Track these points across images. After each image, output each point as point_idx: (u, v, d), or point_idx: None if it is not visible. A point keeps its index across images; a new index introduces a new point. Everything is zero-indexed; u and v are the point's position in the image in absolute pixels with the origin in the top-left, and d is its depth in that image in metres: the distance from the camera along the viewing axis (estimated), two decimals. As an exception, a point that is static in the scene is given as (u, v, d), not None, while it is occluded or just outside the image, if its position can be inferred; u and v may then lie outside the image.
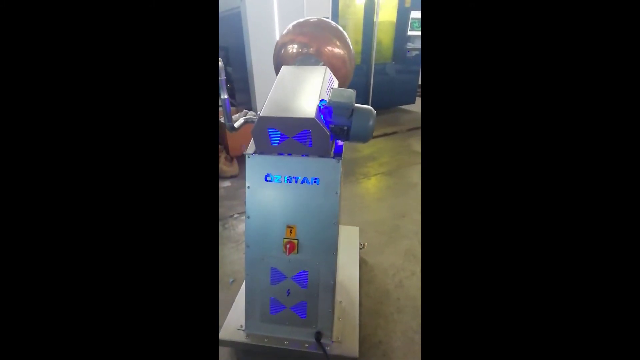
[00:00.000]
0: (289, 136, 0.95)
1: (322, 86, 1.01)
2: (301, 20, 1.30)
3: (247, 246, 1.08)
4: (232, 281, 1.61)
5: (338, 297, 1.27)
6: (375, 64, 4.13)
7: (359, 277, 1.44)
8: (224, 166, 2.66)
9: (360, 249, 1.71)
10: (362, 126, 0.93)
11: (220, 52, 4.21)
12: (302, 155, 0.99)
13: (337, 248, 1.04)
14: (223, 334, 1.14)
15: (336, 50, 1.25)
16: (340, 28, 1.29)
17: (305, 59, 1.20)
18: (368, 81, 4.22)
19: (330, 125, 0.95)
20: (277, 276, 1.09)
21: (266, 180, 1.03)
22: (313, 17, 1.31)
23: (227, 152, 2.88)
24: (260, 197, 1.04)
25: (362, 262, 1.70)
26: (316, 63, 1.20)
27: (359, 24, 3.91)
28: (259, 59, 3.13)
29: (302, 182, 1.01)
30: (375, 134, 4.19)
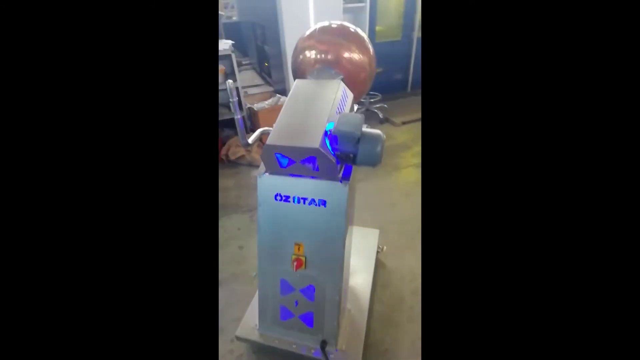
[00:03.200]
0: (296, 161, 0.96)
1: (331, 108, 0.98)
2: (323, 24, 1.24)
3: (259, 257, 1.15)
4: (255, 274, 1.73)
5: (347, 304, 1.32)
6: (418, 38, 3.82)
7: (372, 282, 1.46)
8: (255, 154, 2.76)
9: (377, 252, 1.72)
10: (369, 153, 0.90)
11: (258, 30, 4.18)
12: (311, 177, 1.00)
13: (342, 267, 1.07)
14: (240, 331, 1.27)
15: (355, 56, 1.19)
16: (361, 32, 1.22)
17: (322, 71, 1.16)
18: (409, 55, 3.95)
19: (336, 152, 0.93)
20: (286, 288, 1.15)
21: (276, 199, 1.06)
22: (335, 22, 1.24)
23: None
24: (271, 215, 1.09)
25: (380, 265, 1.72)
26: (333, 75, 1.15)
27: (401, -4, 3.59)
28: (292, 37, 3.07)
29: (310, 204, 1.03)
30: (412, 117, 3.94)
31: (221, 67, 2.72)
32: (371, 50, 1.22)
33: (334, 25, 1.23)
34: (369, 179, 2.50)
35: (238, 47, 4.93)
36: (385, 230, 1.92)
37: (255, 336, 1.24)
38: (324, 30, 1.22)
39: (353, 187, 1.06)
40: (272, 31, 3.41)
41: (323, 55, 1.18)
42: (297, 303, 1.16)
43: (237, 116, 1.07)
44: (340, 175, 0.99)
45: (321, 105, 1.00)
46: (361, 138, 0.91)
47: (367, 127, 1.17)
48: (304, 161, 0.95)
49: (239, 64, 4.81)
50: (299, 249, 1.09)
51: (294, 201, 1.04)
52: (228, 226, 2.10)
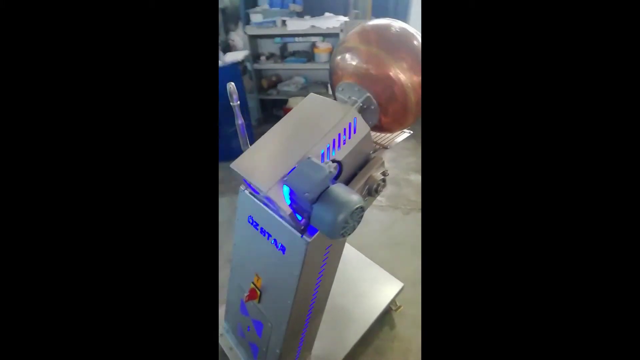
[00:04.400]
0: (259, 192, 0.82)
1: (317, 144, 0.77)
2: (381, 25, 0.95)
3: (232, 264, 1.11)
4: None
5: (311, 355, 1.16)
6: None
7: (357, 341, 1.23)
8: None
9: (391, 309, 1.42)
10: (324, 221, 0.68)
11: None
12: (279, 215, 0.85)
13: (287, 325, 0.91)
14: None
15: (402, 78, 0.88)
16: (417, 45, 0.88)
17: (352, 90, 0.92)
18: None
19: (293, 205, 0.74)
20: (243, 309, 1.09)
21: (248, 221, 0.97)
22: (398, 26, 0.93)
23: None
24: (243, 233, 1.01)
25: (388, 323, 1.42)
26: (359, 95, 0.90)
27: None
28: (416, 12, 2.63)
29: (272, 242, 0.89)
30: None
31: (328, 46, 2.60)
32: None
33: (393, 30, 0.92)
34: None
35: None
36: (415, 285, 1.56)
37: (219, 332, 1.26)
38: (378, 34, 0.93)
39: (323, 247, 0.84)
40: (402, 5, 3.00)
41: (363, 66, 0.91)
42: (248, 329, 1.09)
43: (239, 121, 0.98)
44: (306, 227, 0.80)
45: (307, 137, 0.80)
46: (321, 198, 0.68)
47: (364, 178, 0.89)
48: (266, 197, 0.80)
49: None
50: (257, 280, 0.99)
51: (261, 232, 0.93)
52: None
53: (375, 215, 2.06)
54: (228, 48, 4.52)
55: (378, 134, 1.08)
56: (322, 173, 0.67)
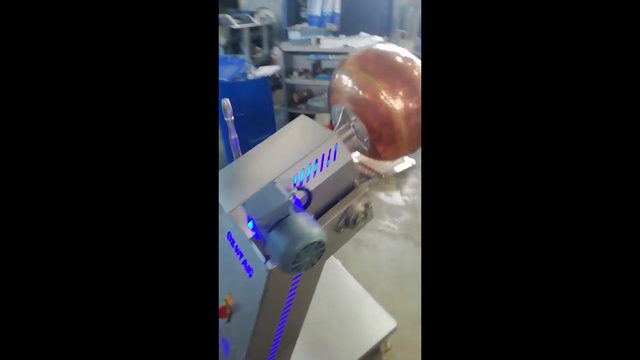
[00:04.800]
0: (231, 212, 0.81)
1: (292, 169, 0.74)
2: (384, 51, 0.91)
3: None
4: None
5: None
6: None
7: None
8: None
9: (381, 350, 1.31)
10: (276, 250, 0.64)
11: None
12: (255, 236, 0.83)
13: (247, 352, 0.88)
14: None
15: (392, 107, 0.83)
16: (417, 75, 0.82)
17: (345, 116, 0.88)
18: None
19: (255, 229, 0.71)
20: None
21: (227, 238, 0.96)
22: (399, 54, 0.88)
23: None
24: (223, 249, 1.00)
25: (376, 365, 1.31)
26: (346, 122, 0.86)
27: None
28: None
29: (242, 263, 0.87)
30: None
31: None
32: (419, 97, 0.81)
33: (394, 58, 0.88)
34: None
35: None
36: (412, 328, 1.42)
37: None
38: (377, 60, 0.89)
39: (290, 277, 0.80)
40: None
41: (356, 90, 0.88)
42: (219, 346, 1.07)
43: (233, 136, 0.99)
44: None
45: (283, 159, 0.77)
46: (278, 226, 0.64)
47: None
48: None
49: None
50: (229, 299, 0.97)
51: (235, 250, 0.91)
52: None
53: (385, 243, 1.95)
54: (269, 61, 4.74)
55: (377, 161, 1.03)
56: (280, 201, 0.63)
